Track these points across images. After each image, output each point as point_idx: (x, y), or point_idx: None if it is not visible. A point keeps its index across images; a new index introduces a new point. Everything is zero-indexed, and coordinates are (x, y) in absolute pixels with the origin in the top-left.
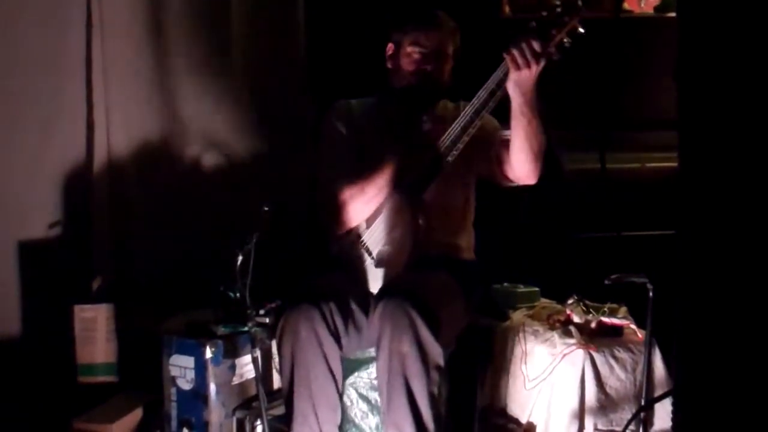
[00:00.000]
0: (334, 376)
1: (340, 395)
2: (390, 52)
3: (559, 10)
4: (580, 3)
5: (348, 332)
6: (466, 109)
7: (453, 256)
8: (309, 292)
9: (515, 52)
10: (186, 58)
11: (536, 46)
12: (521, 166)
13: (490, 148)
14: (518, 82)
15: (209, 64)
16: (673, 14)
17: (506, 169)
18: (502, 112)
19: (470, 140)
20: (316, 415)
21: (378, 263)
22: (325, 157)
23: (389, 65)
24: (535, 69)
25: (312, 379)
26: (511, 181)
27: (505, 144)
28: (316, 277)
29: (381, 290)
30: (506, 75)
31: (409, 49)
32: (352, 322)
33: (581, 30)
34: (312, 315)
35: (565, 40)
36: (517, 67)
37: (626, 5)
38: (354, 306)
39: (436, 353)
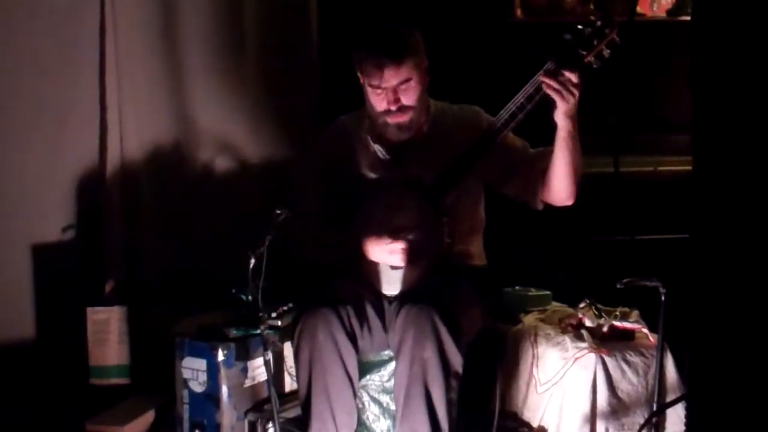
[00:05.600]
0: (351, 381)
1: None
2: (360, 82)
3: (599, 23)
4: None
5: (363, 336)
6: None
7: (465, 262)
8: (326, 295)
9: (560, 87)
10: (199, 61)
11: (573, 77)
12: (565, 190)
13: (520, 168)
14: (567, 111)
15: (222, 67)
16: (685, 18)
17: (544, 194)
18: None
19: (496, 155)
20: (335, 420)
21: (394, 265)
22: (304, 185)
23: (364, 93)
24: (577, 95)
25: (330, 383)
26: (547, 204)
27: (540, 170)
28: (332, 280)
29: (403, 295)
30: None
31: (369, 89)
32: (367, 326)
33: (618, 41)
34: (330, 319)
35: (605, 50)
36: (564, 100)
37: (639, 9)
38: (369, 309)
39: (457, 361)
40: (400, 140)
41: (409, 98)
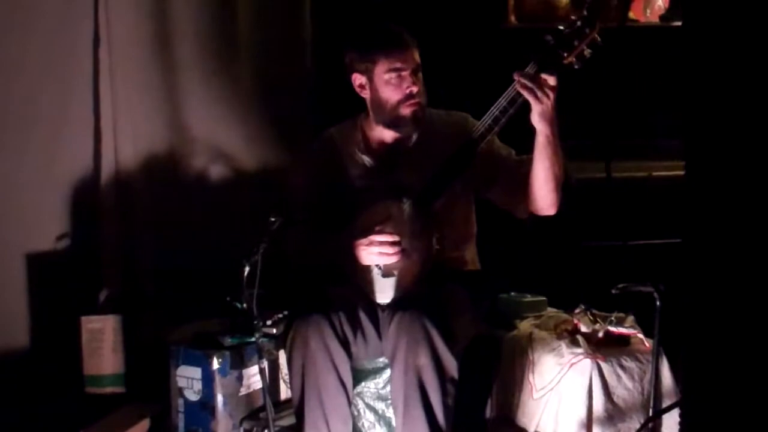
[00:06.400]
0: (345, 388)
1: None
2: (359, 83)
3: (579, 23)
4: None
5: (357, 342)
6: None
7: (459, 269)
8: (318, 302)
9: (533, 87)
10: (193, 68)
11: (551, 79)
12: (545, 198)
13: (503, 175)
14: (543, 113)
15: (216, 74)
16: (678, 23)
17: (527, 202)
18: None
19: (480, 161)
20: (329, 428)
21: (385, 273)
22: (296, 196)
23: (364, 95)
24: (553, 97)
25: (323, 390)
26: (532, 213)
27: (523, 177)
28: (325, 287)
29: (395, 303)
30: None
31: (386, 76)
32: (360, 332)
33: (599, 41)
34: (322, 326)
35: (585, 50)
36: (539, 100)
37: (632, 14)
38: (362, 316)
39: (451, 366)
40: (409, 135)
41: (420, 86)
